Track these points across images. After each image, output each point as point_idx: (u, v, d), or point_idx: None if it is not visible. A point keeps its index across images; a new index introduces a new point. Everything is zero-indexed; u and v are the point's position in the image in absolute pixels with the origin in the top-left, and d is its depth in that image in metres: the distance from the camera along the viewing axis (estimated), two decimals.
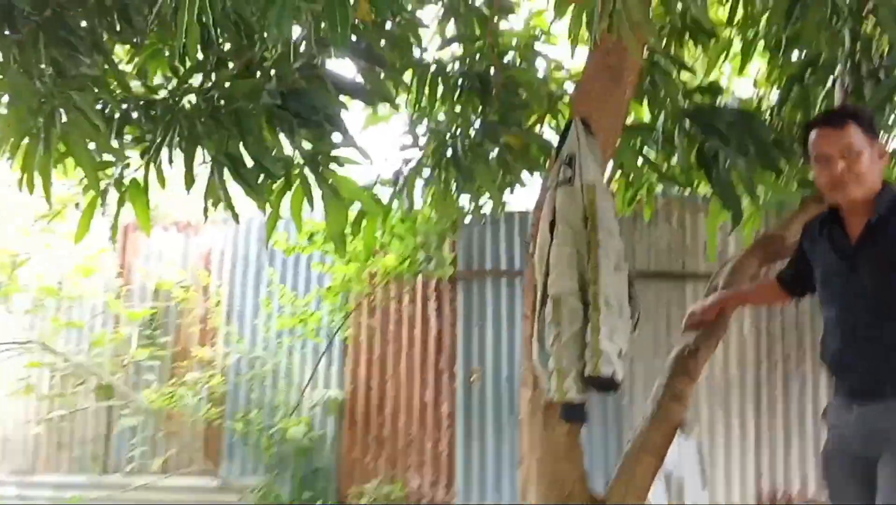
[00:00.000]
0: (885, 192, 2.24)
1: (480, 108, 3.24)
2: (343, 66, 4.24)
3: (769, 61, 3.75)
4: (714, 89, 3.35)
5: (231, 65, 2.67)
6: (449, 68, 3.39)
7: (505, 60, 3.46)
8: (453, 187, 3.57)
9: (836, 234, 2.35)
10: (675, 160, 3.34)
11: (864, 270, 2.24)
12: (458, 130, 3.26)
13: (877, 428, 2.19)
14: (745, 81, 4.35)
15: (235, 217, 2.83)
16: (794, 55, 3.44)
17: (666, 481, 3.07)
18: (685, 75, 3.49)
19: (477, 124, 3.32)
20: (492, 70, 3.38)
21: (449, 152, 3.29)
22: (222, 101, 2.59)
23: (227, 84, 2.63)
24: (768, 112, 3.60)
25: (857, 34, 3.21)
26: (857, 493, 2.29)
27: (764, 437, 5.06)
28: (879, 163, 2.26)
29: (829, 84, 3.44)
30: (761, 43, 3.51)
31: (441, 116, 3.40)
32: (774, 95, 3.75)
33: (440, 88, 3.26)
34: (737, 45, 3.71)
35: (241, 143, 2.61)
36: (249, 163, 2.67)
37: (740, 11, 3.36)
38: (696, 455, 2.82)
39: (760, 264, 3.28)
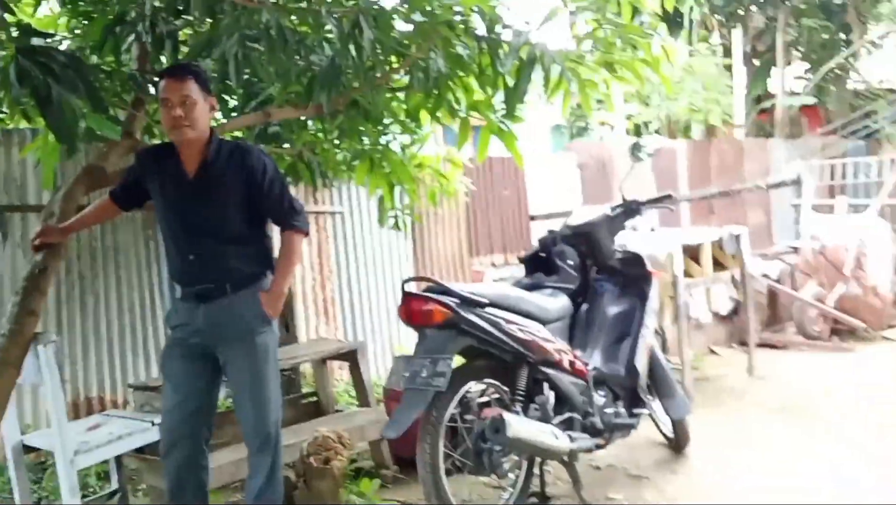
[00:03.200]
0: (214, 138, 2.98)
1: None
2: None
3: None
4: (44, 33, 3.58)
5: None
6: None
7: None
8: None
9: (174, 168, 2.96)
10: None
11: (202, 199, 2.91)
12: None
13: (218, 321, 2.93)
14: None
15: None
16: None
17: (18, 391, 3.31)
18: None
19: None
20: None
21: None
22: None
23: None
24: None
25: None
26: (190, 370, 2.99)
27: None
28: (210, 113, 2.98)
29: (131, 38, 4.02)
30: None
31: None
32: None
33: None
34: None
35: None
36: None
37: None
38: (54, 360, 3.14)
39: (86, 192, 3.70)
